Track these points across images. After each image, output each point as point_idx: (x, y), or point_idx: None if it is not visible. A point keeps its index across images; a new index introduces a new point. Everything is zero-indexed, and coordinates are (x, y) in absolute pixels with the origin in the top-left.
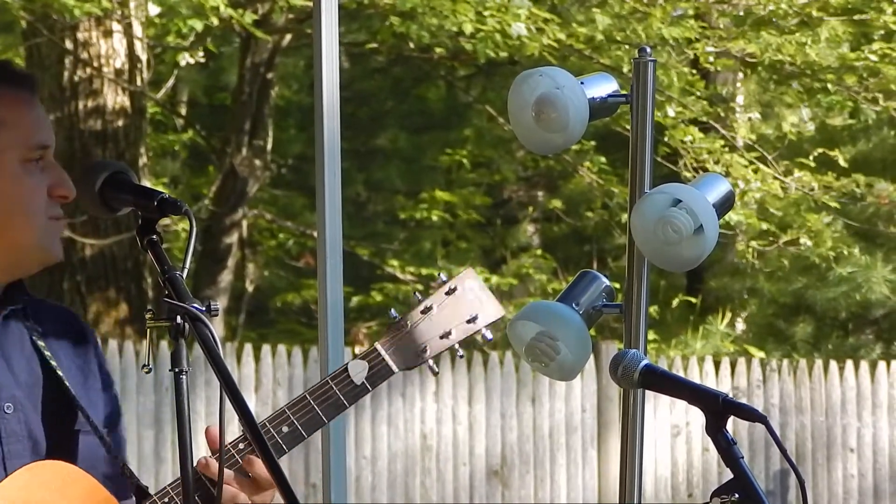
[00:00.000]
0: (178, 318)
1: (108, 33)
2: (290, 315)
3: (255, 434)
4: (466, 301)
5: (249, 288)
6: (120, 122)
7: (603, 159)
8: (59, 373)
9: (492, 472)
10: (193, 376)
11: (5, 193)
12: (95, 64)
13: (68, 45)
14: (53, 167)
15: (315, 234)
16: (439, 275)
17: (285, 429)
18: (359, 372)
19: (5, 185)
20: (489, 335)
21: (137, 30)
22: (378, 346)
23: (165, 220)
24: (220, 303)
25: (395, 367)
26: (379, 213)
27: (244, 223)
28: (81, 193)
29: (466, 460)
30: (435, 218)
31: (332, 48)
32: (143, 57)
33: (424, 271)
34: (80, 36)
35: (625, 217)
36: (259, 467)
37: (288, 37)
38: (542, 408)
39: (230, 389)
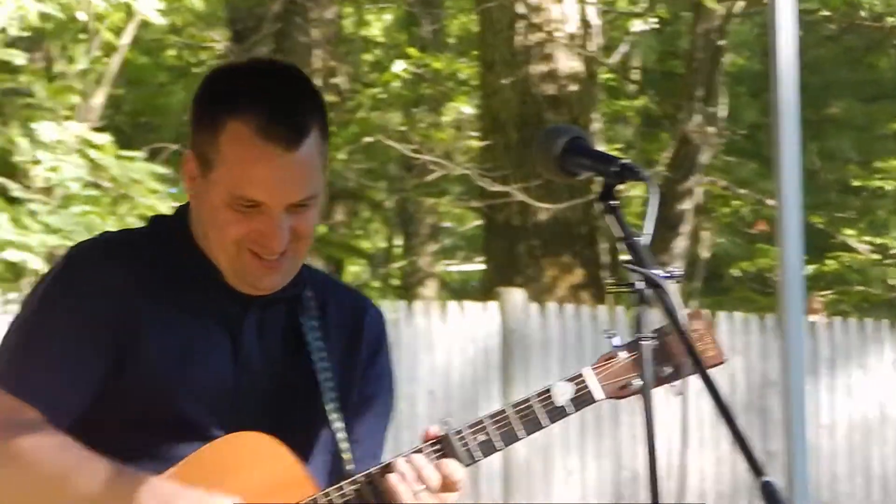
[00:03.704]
0: (640, 283)
1: None
2: (745, 282)
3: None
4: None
5: (704, 255)
6: (573, 87)
7: None
8: (314, 363)
9: None
10: None
11: (208, 207)
12: (547, 29)
13: (520, 9)
14: (268, 219)
15: (770, 201)
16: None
17: (481, 437)
18: (562, 394)
19: (211, 204)
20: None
21: None
22: (584, 371)
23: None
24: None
25: (597, 396)
26: (831, 182)
27: (698, 190)
28: (540, 157)
29: None
30: (889, 188)
31: (788, 16)
32: (596, 22)
33: (879, 241)
34: (532, 1)
35: None
36: (446, 468)
37: (740, 3)
38: None
39: (692, 354)
